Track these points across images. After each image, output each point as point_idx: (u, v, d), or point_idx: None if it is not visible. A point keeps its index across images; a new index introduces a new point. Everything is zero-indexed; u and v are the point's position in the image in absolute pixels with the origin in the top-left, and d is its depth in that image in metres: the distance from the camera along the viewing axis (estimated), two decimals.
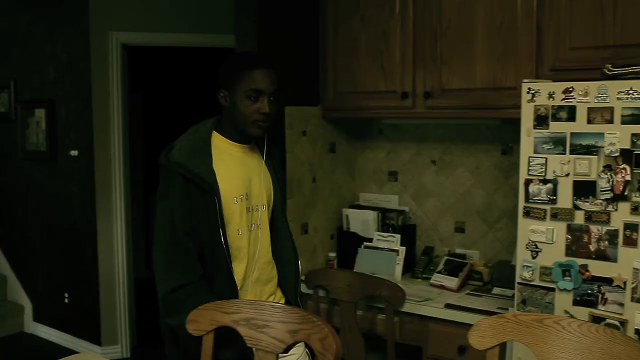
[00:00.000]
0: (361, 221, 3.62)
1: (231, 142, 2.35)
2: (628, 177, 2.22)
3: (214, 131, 2.35)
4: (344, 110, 3.47)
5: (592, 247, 2.31)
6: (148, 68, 6.76)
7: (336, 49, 3.44)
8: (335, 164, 3.71)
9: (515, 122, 2.50)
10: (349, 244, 3.60)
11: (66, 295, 5.23)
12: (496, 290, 3.09)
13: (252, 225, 2.36)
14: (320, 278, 3.19)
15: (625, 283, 2.25)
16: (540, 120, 2.38)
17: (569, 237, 2.35)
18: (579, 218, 2.33)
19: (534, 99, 2.39)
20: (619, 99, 2.22)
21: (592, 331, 1.74)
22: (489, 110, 2.94)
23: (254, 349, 2.01)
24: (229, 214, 2.27)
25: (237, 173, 2.32)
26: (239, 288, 2.32)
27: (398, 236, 3.45)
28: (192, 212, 2.22)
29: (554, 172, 2.37)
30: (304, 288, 3.27)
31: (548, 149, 2.37)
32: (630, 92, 2.20)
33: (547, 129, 2.37)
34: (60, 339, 5.31)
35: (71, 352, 4.78)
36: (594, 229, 2.30)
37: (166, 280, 2.23)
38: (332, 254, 3.63)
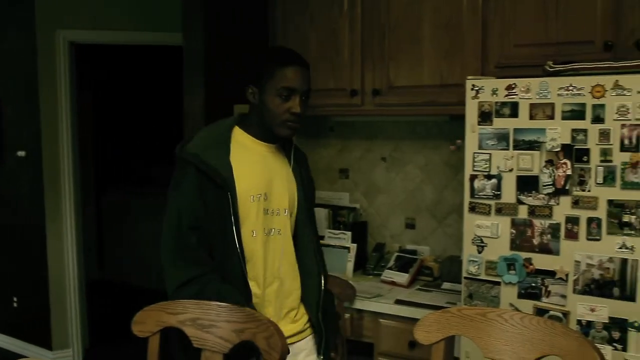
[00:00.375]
0: None
1: (255, 139, 2.21)
2: (569, 172, 2.26)
3: (237, 126, 2.23)
4: None
5: (536, 241, 2.35)
6: (99, 66, 6.66)
7: (287, 46, 3.43)
8: None
9: (463, 119, 2.53)
10: None
11: (15, 299, 5.12)
12: (446, 285, 3.13)
13: (271, 230, 2.20)
14: None
15: (567, 275, 2.30)
16: (485, 117, 2.41)
17: (513, 231, 2.39)
18: (523, 212, 2.37)
19: (478, 95, 2.42)
20: (559, 95, 2.26)
21: (533, 323, 1.77)
22: (437, 107, 2.98)
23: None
24: (244, 213, 2.13)
25: (257, 171, 2.18)
26: (257, 295, 2.19)
27: (349, 233, 3.46)
28: (204, 206, 2.10)
29: (498, 167, 2.40)
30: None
31: (492, 144, 2.40)
32: (570, 88, 2.24)
33: (491, 125, 2.40)
34: (10, 344, 5.20)
35: (20, 357, 4.68)
36: (537, 223, 2.34)
37: (174, 276, 2.14)
38: None
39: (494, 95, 2.39)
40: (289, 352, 1.84)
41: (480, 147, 2.43)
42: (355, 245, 3.42)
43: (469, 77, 2.47)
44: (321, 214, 3.59)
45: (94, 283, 6.22)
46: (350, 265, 3.39)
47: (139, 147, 7.45)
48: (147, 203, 6.59)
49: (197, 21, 3.19)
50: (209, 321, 2.02)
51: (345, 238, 3.46)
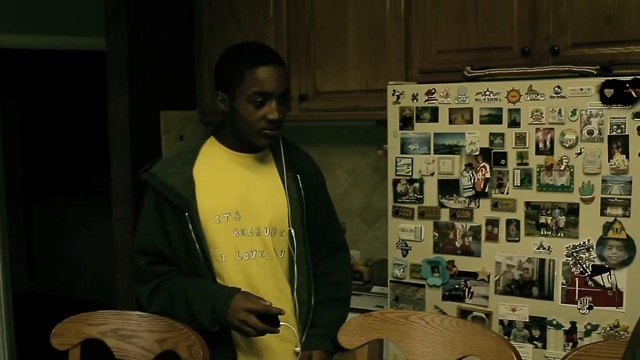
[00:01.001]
0: None
1: (230, 150, 1.98)
2: (488, 175, 2.32)
3: (212, 136, 2.01)
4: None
5: (458, 244, 2.39)
6: (29, 73, 6.49)
7: (212, 53, 3.41)
8: None
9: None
10: None
11: None
12: (375, 289, 3.15)
13: (251, 253, 1.94)
14: None
15: (489, 276, 2.35)
16: (406, 122, 2.45)
17: (436, 234, 2.43)
18: (445, 216, 2.41)
19: (399, 100, 2.46)
20: (477, 99, 2.32)
21: (452, 325, 1.81)
22: (362, 112, 3.00)
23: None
24: (209, 235, 1.91)
25: (226, 187, 1.95)
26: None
27: None
28: (164, 229, 1.93)
29: (420, 171, 2.44)
30: None
31: (414, 149, 2.44)
32: (487, 93, 2.29)
33: (412, 129, 2.44)
34: None
35: None
36: (459, 225, 2.39)
37: (140, 293, 2.03)
38: None
39: (415, 101, 2.42)
40: None
41: (402, 152, 2.46)
42: None
43: (390, 83, 2.51)
44: None
45: (23, 295, 6.04)
46: None
47: (72, 154, 7.29)
48: (82, 211, 6.46)
49: (119, 25, 3.13)
50: (130, 331, 1.99)
51: None
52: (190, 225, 1.89)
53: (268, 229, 1.95)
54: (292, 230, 1.97)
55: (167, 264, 1.98)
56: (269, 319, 1.82)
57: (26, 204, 6.94)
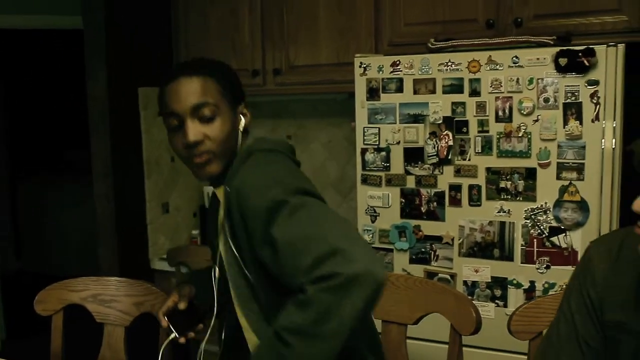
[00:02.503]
0: None
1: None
2: (450, 142, 2.42)
3: None
4: None
5: (423, 209, 2.50)
6: (10, 53, 6.51)
7: (188, 29, 3.48)
8: None
9: None
10: None
11: None
12: None
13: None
14: (180, 255, 3.24)
15: (453, 240, 2.46)
16: (373, 93, 2.54)
17: (403, 200, 2.54)
18: (411, 182, 2.51)
19: (366, 72, 2.55)
20: (439, 70, 2.41)
21: (416, 284, 1.92)
22: (334, 85, 3.08)
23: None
24: None
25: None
26: None
27: None
28: None
29: (386, 140, 2.54)
30: (165, 266, 3.33)
31: (380, 119, 2.54)
32: (449, 64, 2.39)
33: (378, 100, 2.53)
34: None
35: None
36: (424, 192, 2.49)
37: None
38: (195, 232, 3.70)
39: (381, 72, 2.52)
40: None
41: (369, 122, 2.56)
42: None
43: (357, 55, 2.59)
44: None
45: (11, 274, 6.12)
46: None
47: (54, 133, 7.33)
48: (65, 189, 6.52)
49: (96, 3, 3.19)
50: (109, 296, 2.10)
51: None
52: None
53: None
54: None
55: None
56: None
57: (11, 184, 6.99)
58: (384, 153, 2.55)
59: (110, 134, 3.27)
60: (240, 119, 1.64)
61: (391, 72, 2.49)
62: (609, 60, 2.17)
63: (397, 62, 2.48)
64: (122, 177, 3.35)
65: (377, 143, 2.56)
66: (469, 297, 2.39)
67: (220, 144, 1.56)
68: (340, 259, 1.25)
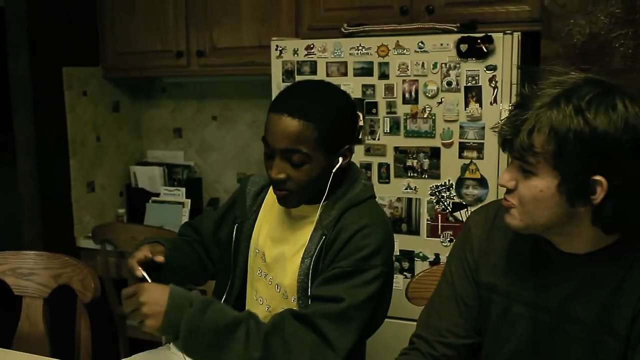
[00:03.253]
0: (148, 177, 3.75)
1: None
2: (361, 123, 2.51)
3: None
4: (124, 69, 3.56)
5: None
6: None
7: (114, 8, 3.50)
8: (120, 123, 3.80)
9: None
10: (137, 200, 3.72)
11: None
12: None
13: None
14: (106, 232, 3.29)
15: None
16: (288, 75, 2.65)
17: None
18: None
19: (282, 55, 2.65)
20: (351, 54, 2.54)
21: None
22: (256, 67, 3.15)
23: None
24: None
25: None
26: None
27: (183, 189, 3.62)
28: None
29: None
30: (90, 243, 3.38)
31: None
32: (360, 48, 2.51)
33: (293, 82, 2.63)
34: None
35: None
36: None
37: None
38: (122, 210, 3.75)
39: (296, 55, 2.62)
40: (99, 293, 2.01)
41: None
42: (189, 200, 3.59)
43: (274, 38, 2.69)
44: (156, 172, 3.72)
45: None
46: (185, 220, 3.56)
47: None
48: None
49: None
50: (27, 269, 2.15)
51: (179, 194, 3.62)
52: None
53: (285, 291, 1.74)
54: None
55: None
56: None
57: None
58: None
59: (34, 113, 3.28)
60: (338, 161, 1.65)
61: (306, 55, 2.60)
62: (506, 47, 2.33)
63: (312, 46, 2.59)
64: (47, 157, 3.36)
65: None
66: None
67: (303, 187, 1.62)
68: None
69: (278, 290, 1.75)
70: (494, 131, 1.34)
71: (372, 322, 1.73)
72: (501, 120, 1.31)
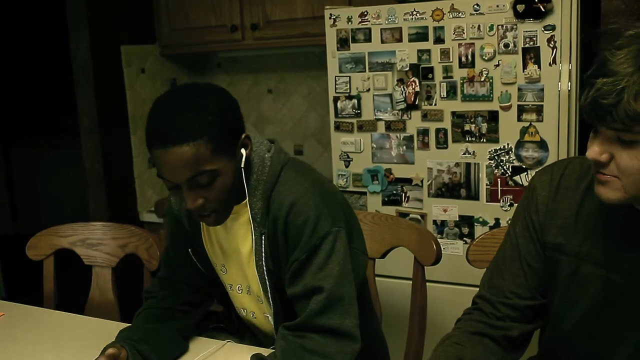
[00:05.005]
0: None
1: None
2: (417, 89, 2.53)
3: None
4: (180, 46, 3.61)
5: (394, 153, 2.62)
6: None
7: None
8: None
9: None
10: None
11: None
12: None
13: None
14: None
15: (422, 181, 2.59)
16: (343, 43, 2.65)
17: (374, 145, 2.66)
18: (381, 128, 2.64)
19: (336, 23, 2.65)
20: (405, 19, 2.51)
21: (382, 220, 2.04)
22: (310, 38, 3.17)
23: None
24: None
25: None
26: None
27: None
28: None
29: (357, 88, 2.65)
30: (153, 217, 3.46)
31: (351, 68, 2.65)
32: (414, 13, 2.49)
33: (348, 50, 2.64)
34: None
35: None
36: (394, 136, 2.62)
37: None
38: None
39: (350, 23, 2.62)
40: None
41: (340, 71, 2.67)
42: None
43: (327, 7, 2.69)
44: None
45: (8, 237, 6.23)
46: None
47: (45, 98, 7.38)
48: (57, 152, 6.60)
49: None
50: (96, 240, 2.23)
51: None
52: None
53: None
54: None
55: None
56: None
57: (3, 149, 7.07)
58: (355, 100, 2.66)
59: (95, 90, 3.36)
60: (241, 155, 1.53)
61: (359, 22, 2.60)
62: (565, 6, 2.27)
63: (365, 13, 2.58)
64: (109, 133, 3.45)
65: (349, 91, 2.67)
66: (438, 236, 2.54)
67: (224, 201, 1.51)
68: None
69: (250, 294, 1.72)
70: (582, 107, 1.25)
71: (357, 269, 1.66)
72: (588, 95, 1.19)
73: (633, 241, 1.31)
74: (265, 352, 1.56)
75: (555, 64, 2.31)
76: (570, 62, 2.30)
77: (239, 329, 1.88)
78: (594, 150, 1.22)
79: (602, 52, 1.18)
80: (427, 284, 1.94)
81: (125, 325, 1.73)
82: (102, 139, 3.43)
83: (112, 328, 1.71)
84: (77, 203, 6.11)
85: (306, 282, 1.52)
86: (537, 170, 2.34)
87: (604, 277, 1.36)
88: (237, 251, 1.66)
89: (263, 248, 1.58)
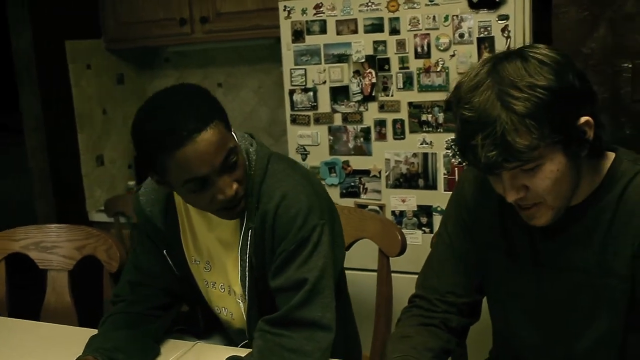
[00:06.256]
0: None
1: None
2: (374, 80, 2.53)
3: None
4: (127, 40, 3.51)
5: (351, 145, 2.62)
6: None
7: None
8: (125, 95, 3.77)
9: None
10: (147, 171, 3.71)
11: None
12: None
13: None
14: (118, 205, 3.29)
15: (380, 172, 2.59)
16: (298, 35, 2.63)
17: (331, 137, 2.65)
18: (337, 120, 2.63)
19: (290, 15, 2.63)
20: (360, 11, 2.51)
21: (345, 212, 2.02)
22: (261, 30, 3.13)
23: None
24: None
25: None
26: None
27: None
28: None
29: (313, 81, 2.64)
30: (103, 217, 3.38)
31: (306, 60, 2.63)
32: (369, 4, 2.49)
33: (303, 42, 2.62)
34: None
35: None
36: (351, 128, 2.61)
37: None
38: (131, 182, 3.74)
39: (304, 15, 2.60)
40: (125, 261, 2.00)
41: (295, 64, 2.65)
42: None
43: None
44: None
45: None
46: None
47: None
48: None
49: None
50: (51, 243, 2.15)
51: None
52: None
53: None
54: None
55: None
56: None
57: None
58: (311, 93, 2.65)
59: (39, 87, 3.25)
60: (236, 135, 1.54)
61: (314, 14, 2.58)
62: None
63: (320, 4, 2.56)
64: (55, 132, 3.35)
65: (304, 84, 2.65)
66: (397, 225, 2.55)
67: (244, 182, 1.50)
68: None
69: (231, 294, 1.69)
70: (476, 167, 1.24)
71: (337, 264, 1.67)
72: (477, 157, 1.17)
73: (560, 235, 1.32)
74: (237, 351, 1.54)
75: None
76: None
77: (204, 330, 1.85)
78: (512, 194, 1.22)
79: (458, 113, 1.23)
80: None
81: (83, 329, 1.68)
82: (48, 137, 3.33)
83: (71, 333, 1.66)
84: (24, 203, 5.94)
85: (291, 274, 1.51)
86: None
87: (534, 271, 1.37)
88: (221, 247, 1.64)
89: (249, 242, 1.56)
